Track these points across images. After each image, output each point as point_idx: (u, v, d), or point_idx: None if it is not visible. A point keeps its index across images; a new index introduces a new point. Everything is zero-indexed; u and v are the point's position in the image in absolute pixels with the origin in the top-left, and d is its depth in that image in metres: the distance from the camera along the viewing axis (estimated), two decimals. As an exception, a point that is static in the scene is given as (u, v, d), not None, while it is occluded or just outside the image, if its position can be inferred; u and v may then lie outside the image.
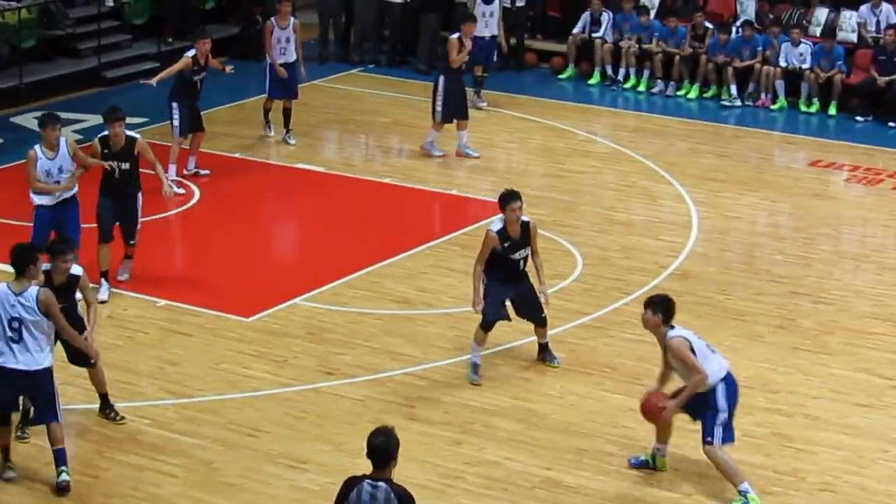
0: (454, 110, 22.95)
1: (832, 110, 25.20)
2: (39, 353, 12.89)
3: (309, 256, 19.35)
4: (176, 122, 21.26)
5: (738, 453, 13.82)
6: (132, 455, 13.78)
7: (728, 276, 18.26)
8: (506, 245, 15.14)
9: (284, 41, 23.47)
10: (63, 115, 23.76)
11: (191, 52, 21.33)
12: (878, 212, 21.02)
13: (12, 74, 24.95)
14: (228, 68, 22.66)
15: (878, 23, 25.36)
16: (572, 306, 17.29)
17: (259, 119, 24.20)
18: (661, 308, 13.23)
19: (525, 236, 15.33)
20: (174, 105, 21.29)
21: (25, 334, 12.83)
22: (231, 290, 17.75)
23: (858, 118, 24.93)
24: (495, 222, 15.29)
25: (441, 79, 22.87)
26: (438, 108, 22.84)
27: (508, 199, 15.30)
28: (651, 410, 13.15)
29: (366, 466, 10.59)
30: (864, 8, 25.59)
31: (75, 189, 17.25)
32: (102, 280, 17.48)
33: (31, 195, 17.36)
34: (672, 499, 12.98)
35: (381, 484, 10.35)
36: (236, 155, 23.18)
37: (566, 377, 15.32)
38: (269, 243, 20.57)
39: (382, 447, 10.30)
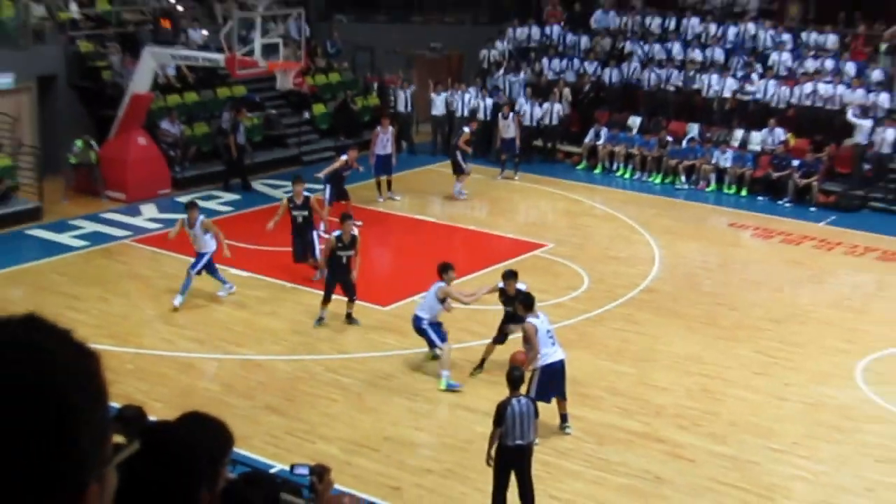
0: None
1: (743, 192, 25.05)
2: None
3: (423, 276, 19.32)
4: (326, 197, 20.72)
5: (684, 400, 14.02)
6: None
7: (676, 291, 18.31)
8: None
9: (385, 141, 23.24)
10: (275, 182, 24.28)
11: (344, 157, 20.91)
12: (769, 256, 20.91)
13: (249, 157, 25.06)
14: (360, 168, 21.95)
15: (772, 139, 25.28)
16: (582, 306, 17.31)
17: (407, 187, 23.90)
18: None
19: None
20: (328, 186, 20.81)
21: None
22: (376, 288, 17.61)
23: (760, 197, 24.72)
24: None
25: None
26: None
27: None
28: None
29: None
30: (764, 130, 25.51)
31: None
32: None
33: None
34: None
35: (523, 398, 10.92)
36: (394, 211, 22.93)
37: (573, 350, 14.75)
38: (406, 263, 20.72)
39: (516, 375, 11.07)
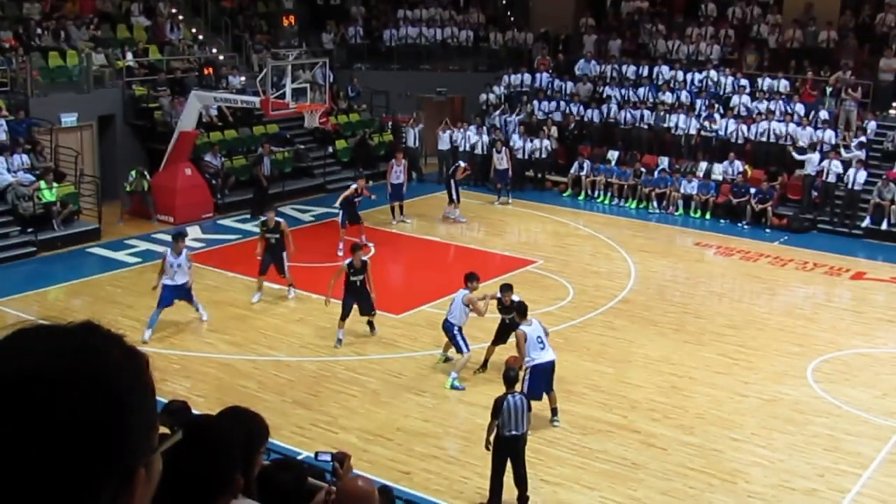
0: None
1: (707, 216, 25.02)
2: None
3: (430, 288, 19.39)
4: (340, 220, 20.53)
5: (656, 395, 13.95)
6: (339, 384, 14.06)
7: (649, 302, 18.29)
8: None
9: (398, 172, 23.15)
10: (303, 206, 24.31)
11: (353, 185, 20.73)
12: (730, 271, 20.91)
13: (279, 186, 25.00)
14: (373, 196, 21.73)
15: (732, 170, 25.28)
16: (568, 315, 17.28)
17: (409, 214, 23.76)
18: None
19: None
20: (341, 211, 20.52)
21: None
22: (390, 299, 17.44)
23: (721, 221, 24.64)
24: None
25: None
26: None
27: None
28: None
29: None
30: (725, 162, 25.53)
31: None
32: (259, 290, 17.45)
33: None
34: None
35: (517, 394, 10.81)
36: (405, 232, 23.02)
37: (561, 352, 14.86)
38: (415, 277, 20.74)
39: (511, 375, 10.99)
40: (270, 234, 17.33)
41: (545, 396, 12.93)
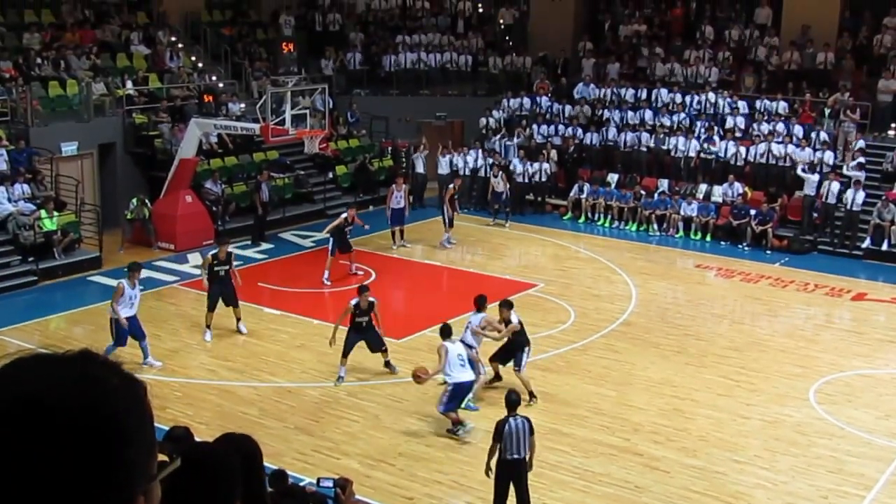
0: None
1: (707, 238, 25.02)
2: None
3: (431, 312, 19.34)
4: (329, 247, 20.25)
5: (659, 418, 13.90)
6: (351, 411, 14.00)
7: (650, 324, 18.26)
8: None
9: (398, 197, 23.05)
10: (303, 231, 24.30)
11: (344, 214, 20.51)
12: (731, 293, 20.89)
13: (279, 212, 25.10)
14: (366, 226, 21.69)
15: (732, 192, 25.31)
16: (569, 338, 17.26)
17: (412, 238, 23.77)
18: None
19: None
20: (331, 239, 20.27)
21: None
22: (390, 324, 17.21)
23: (722, 242, 24.67)
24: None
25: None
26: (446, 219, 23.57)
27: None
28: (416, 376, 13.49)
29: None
30: (725, 184, 25.58)
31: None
32: (207, 329, 16.93)
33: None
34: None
35: (519, 417, 10.78)
36: (404, 257, 23.11)
37: (563, 375, 15.23)
38: (416, 301, 20.71)
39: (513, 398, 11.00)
40: (220, 266, 16.79)
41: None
